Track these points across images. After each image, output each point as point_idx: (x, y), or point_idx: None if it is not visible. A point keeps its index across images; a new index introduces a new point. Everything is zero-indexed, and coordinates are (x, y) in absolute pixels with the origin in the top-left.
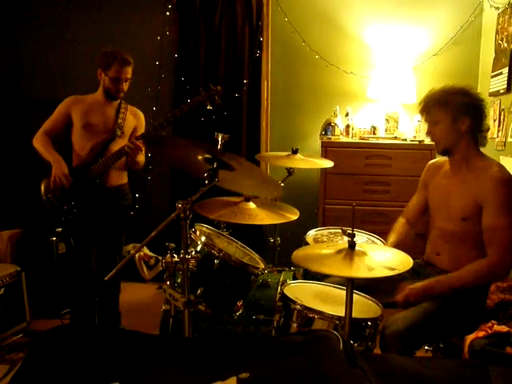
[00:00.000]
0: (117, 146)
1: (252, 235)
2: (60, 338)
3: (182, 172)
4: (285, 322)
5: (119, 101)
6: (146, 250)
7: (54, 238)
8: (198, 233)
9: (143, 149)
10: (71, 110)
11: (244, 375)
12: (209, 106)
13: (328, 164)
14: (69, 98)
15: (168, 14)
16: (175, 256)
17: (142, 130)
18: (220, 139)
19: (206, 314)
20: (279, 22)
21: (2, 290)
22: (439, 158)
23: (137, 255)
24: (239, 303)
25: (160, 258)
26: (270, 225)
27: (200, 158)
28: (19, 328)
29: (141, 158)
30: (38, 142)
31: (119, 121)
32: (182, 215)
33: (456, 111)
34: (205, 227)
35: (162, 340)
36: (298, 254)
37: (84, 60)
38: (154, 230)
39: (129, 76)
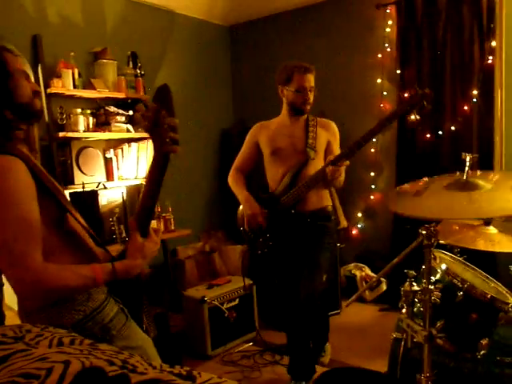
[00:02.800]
0: (311, 167)
1: (483, 261)
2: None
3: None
4: None
5: (306, 117)
6: (367, 271)
7: None
8: (437, 260)
9: (343, 170)
10: (258, 138)
11: None
12: (413, 116)
13: None
14: (254, 127)
15: (388, 30)
16: (414, 285)
17: (336, 142)
18: (468, 160)
19: (444, 350)
20: None
21: (237, 300)
22: None
23: (359, 275)
24: (483, 341)
25: (382, 279)
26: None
27: None
28: (249, 337)
29: (340, 178)
30: (231, 180)
31: (310, 141)
32: (425, 242)
33: None
34: (442, 253)
35: None
36: None
37: None
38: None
39: (312, 85)
